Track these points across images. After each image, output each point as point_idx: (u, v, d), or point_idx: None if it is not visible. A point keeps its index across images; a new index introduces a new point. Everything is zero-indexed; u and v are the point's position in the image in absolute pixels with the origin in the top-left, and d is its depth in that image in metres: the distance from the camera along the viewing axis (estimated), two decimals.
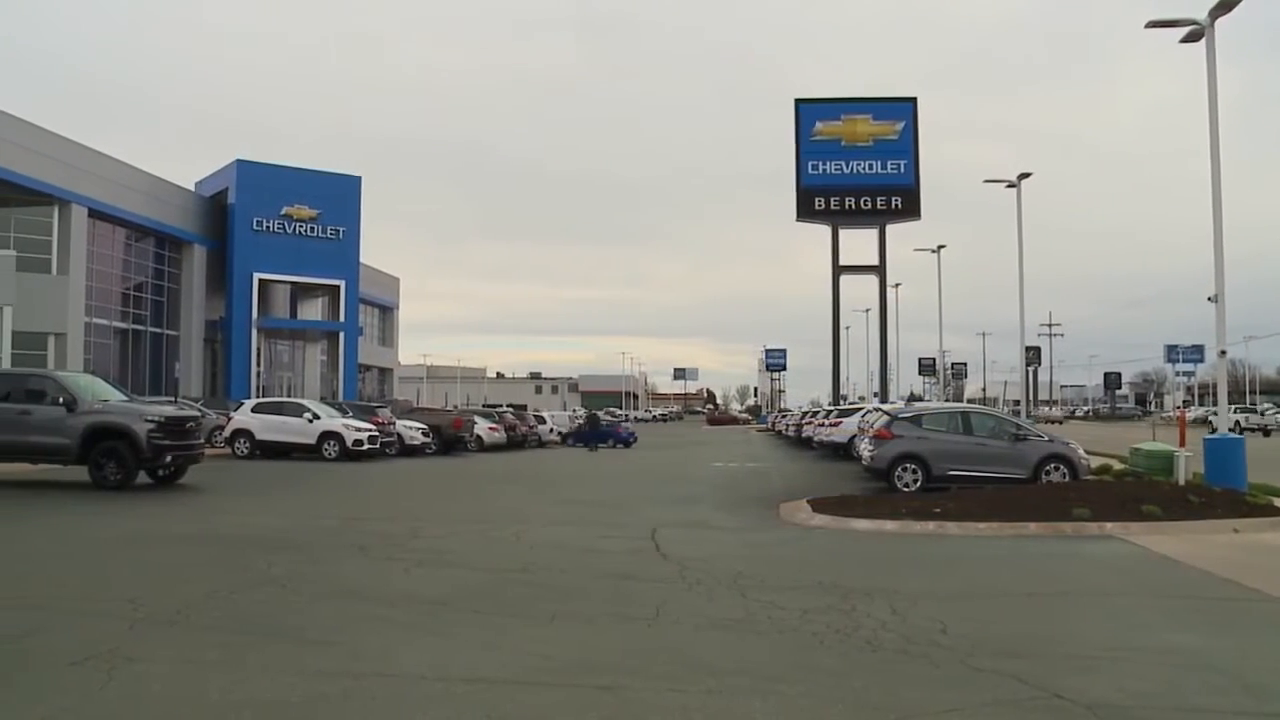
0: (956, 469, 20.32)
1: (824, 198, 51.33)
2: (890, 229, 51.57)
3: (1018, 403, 74.55)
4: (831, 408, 46.73)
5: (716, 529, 15.65)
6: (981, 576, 11.34)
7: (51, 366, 37.06)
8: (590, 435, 48.77)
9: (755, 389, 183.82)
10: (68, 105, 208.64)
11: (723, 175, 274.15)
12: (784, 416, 72.82)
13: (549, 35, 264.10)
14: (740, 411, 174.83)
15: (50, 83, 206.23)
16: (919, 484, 20.15)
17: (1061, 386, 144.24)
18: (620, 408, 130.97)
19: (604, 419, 52.88)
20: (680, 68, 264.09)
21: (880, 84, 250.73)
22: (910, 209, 51.15)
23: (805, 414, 53.54)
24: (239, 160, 55.89)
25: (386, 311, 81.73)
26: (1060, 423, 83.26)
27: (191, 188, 57.14)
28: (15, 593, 9.39)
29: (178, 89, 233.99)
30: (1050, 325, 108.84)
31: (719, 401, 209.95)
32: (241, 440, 32.33)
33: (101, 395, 21.21)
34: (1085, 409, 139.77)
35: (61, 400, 20.15)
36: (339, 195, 58.42)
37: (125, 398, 22.56)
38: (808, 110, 52.61)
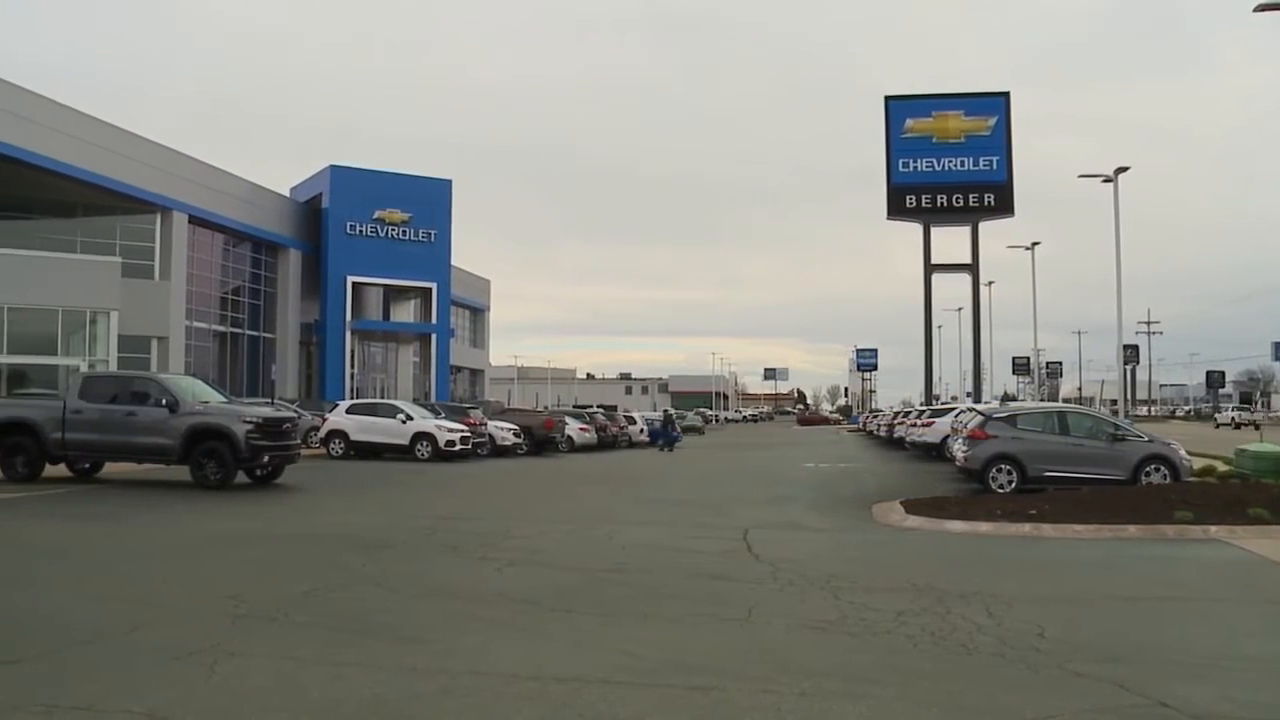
0: (1052, 470, 19.93)
1: (915, 195, 50.73)
2: (983, 226, 50.81)
3: (1114, 402, 73.02)
4: (924, 408, 46.17)
5: (809, 530, 15.55)
6: (1079, 580, 11.11)
7: (154, 369, 37.99)
8: (661, 435, 48.81)
9: (846, 389, 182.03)
10: (168, 115, 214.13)
11: (812, 174, 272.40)
12: (875, 417, 72.14)
13: (637, 37, 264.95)
14: (831, 412, 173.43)
15: (151, 95, 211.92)
16: (1014, 485, 19.81)
17: (1161, 385, 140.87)
18: (710, 408, 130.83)
19: (675, 419, 52.85)
20: (768, 66, 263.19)
21: (968, 78, 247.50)
22: (1003, 206, 50.35)
23: (897, 414, 52.96)
24: (332, 166, 56.78)
25: (477, 313, 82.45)
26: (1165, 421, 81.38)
27: (287, 193, 58.18)
28: (124, 589, 9.66)
29: (271, 97, 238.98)
30: (1148, 323, 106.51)
31: (809, 402, 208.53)
32: (336, 441, 32.84)
33: (202, 397, 21.68)
34: (1186, 409, 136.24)
35: (164, 402, 20.65)
36: (430, 199, 59.03)
37: (225, 399, 23.03)
38: (898, 107, 52.04)
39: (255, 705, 5.87)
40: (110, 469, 22.97)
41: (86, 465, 22.48)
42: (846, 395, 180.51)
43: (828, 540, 14.36)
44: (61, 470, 22.03)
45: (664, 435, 48.74)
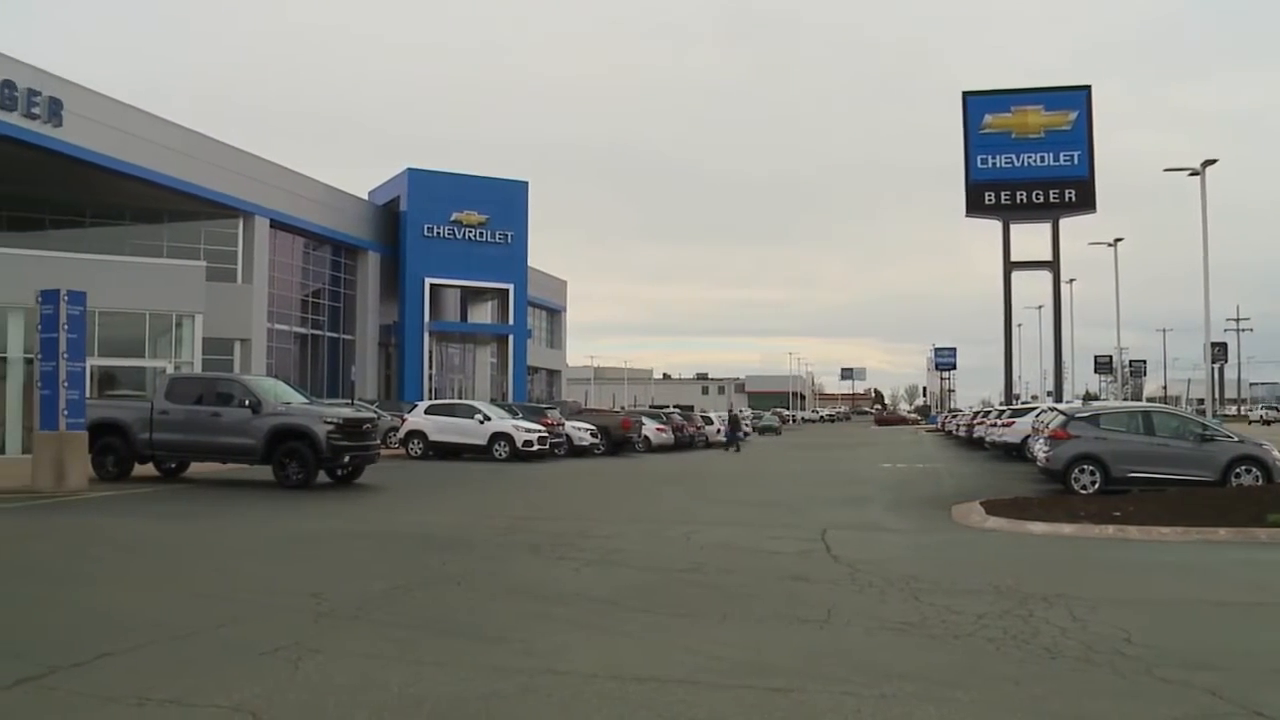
0: (1137, 471, 19.56)
1: (994, 192, 50.10)
2: (1063, 222, 50.01)
3: (1201, 401, 71.39)
4: (1004, 407, 45.58)
5: (887, 531, 15.42)
6: (1166, 583, 10.90)
7: (237, 371, 38.68)
8: (729, 436, 48.73)
9: (924, 389, 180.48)
10: (250, 123, 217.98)
11: (888, 172, 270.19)
12: (954, 416, 71.31)
13: (709, 37, 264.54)
14: (909, 412, 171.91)
15: (235, 103, 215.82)
16: (1097, 486, 19.46)
17: (1251, 384, 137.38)
18: (787, 408, 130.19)
19: (740, 420, 52.80)
20: (843, 64, 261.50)
21: (1046, 72, 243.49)
22: (1085, 201, 49.53)
23: (976, 414, 52.32)
24: (410, 169, 57.33)
25: (554, 314, 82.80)
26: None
27: (365, 196, 58.88)
28: (211, 586, 9.85)
29: (349, 104, 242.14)
30: (1237, 319, 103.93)
31: (887, 401, 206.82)
32: (415, 441, 33.19)
33: (284, 398, 22.03)
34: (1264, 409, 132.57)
35: (248, 403, 21.04)
36: (506, 200, 59.37)
37: (306, 400, 23.38)
38: (976, 103, 51.43)
39: (338, 701, 5.95)
40: (195, 469, 23.44)
41: (173, 465, 22.97)
42: (925, 395, 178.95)
43: (907, 541, 14.22)
44: (149, 469, 22.54)
45: (730, 436, 48.63)
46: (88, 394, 20.47)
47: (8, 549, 12.59)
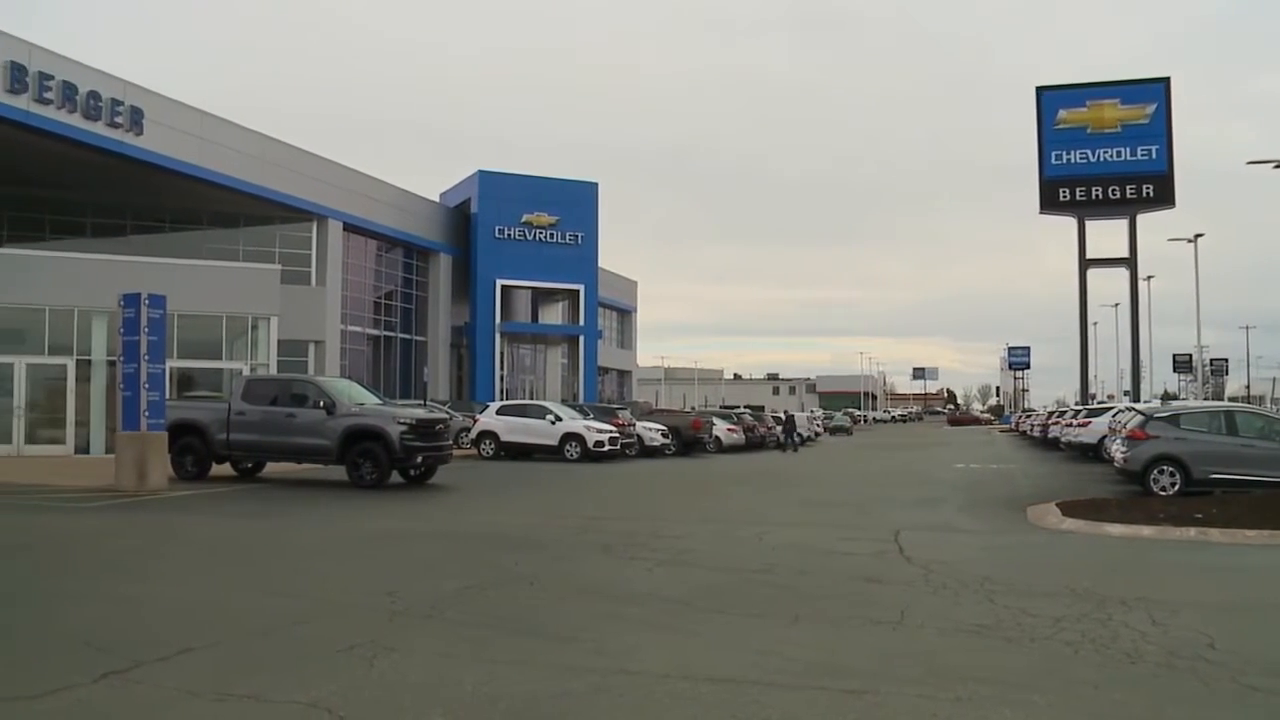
0: (1220, 472, 19.11)
1: (1069, 188, 49.28)
2: (1141, 218, 49.08)
3: None
4: (1079, 407, 44.88)
5: (961, 532, 15.25)
6: (1251, 588, 10.66)
7: (312, 372, 39.22)
8: (786, 437, 48.42)
9: (997, 388, 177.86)
10: (324, 129, 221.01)
11: (960, 169, 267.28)
12: (1028, 416, 70.35)
13: (773, 36, 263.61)
14: (982, 411, 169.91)
15: (310, 111, 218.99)
16: (1177, 487, 19.06)
17: None
18: (859, 408, 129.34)
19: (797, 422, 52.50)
20: (911, 62, 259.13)
21: (1120, 65, 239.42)
22: (1163, 197, 48.53)
23: (1051, 414, 51.56)
24: (480, 171, 57.69)
25: (625, 315, 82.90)
26: None
27: (436, 199, 59.37)
28: (288, 584, 10.00)
29: (421, 107, 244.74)
30: None
31: (959, 401, 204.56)
32: (487, 441, 33.40)
33: (358, 399, 22.28)
34: None
35: (322, 404, 21.29)
36: (577, 201, 59.52)
37: (379, 401, 23.62)
38: (1050, 98, 50.64)
39: (413, 699, 6.01)
40: (271, 469, 23.79)
41: (250, 465, 23.32)
42: (998, 395, 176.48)
43: (981, 542, 14.05)
44: (227, 469, 22.91)
45: (788, 437, 48.35)
46: (167, 395, 20.85)
47: (94, 546, 12.88)
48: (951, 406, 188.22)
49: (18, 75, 28.59)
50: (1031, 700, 6.12)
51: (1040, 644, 7.58)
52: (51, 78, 29.61)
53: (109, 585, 9.96)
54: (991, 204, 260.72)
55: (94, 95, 31.01)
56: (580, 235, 59.59)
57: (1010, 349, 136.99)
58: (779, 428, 51.09)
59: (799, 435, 50.69)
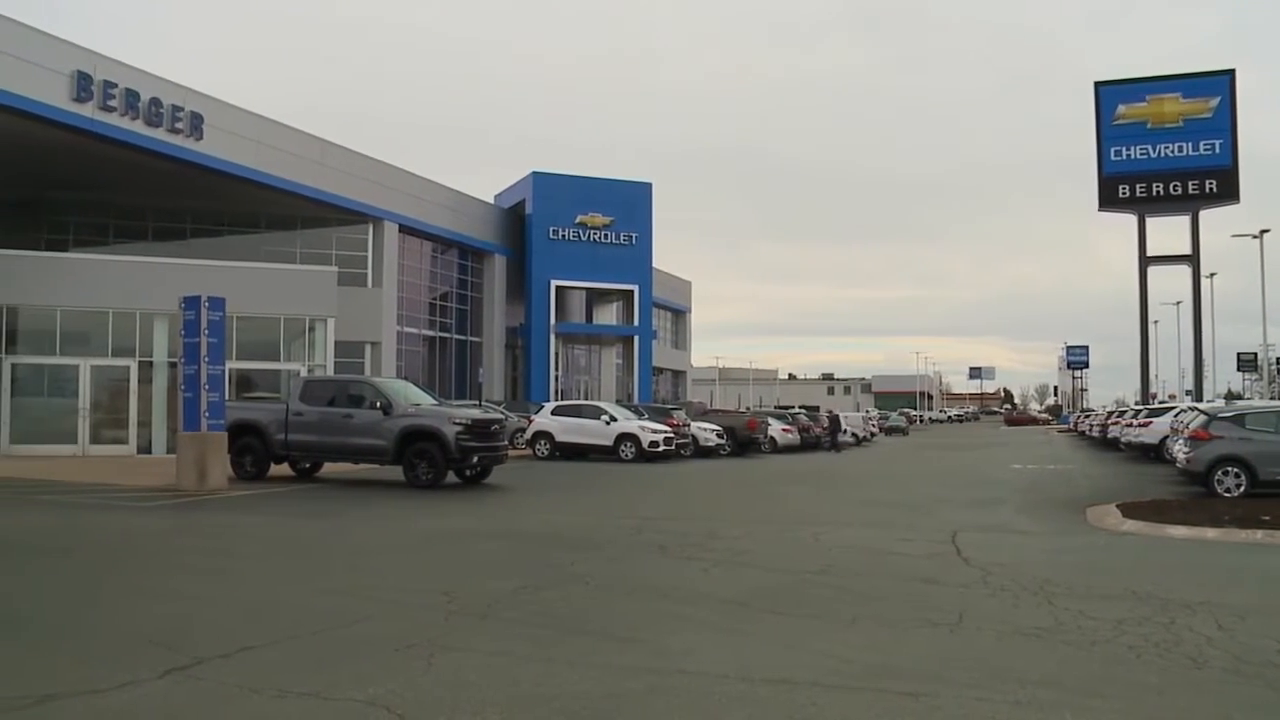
0: None
1: (1129, 185, 48.61)
2: (1203, 214, 48.28)
3: None
4: (1140, 407, 44.25)
5: (1019, 533, 15.08)
6: None
7: (368, 373, 39.54)
8: (829, 437, 48.09)
9: (1055, 388, 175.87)
10: (379, 133, 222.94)
11: (1014, 167, 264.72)
12: (1087, 416, 69.46)
13: (832, 36, 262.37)
14: (1039, 411, 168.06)
15: (365, 116, 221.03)
16: (1242, 489, 18.70)
17: None
18: (914, 408, 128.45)
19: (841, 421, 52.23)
20: (966, 59, 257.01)
21: (1182, 58, 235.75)
22: (1227, 192, 47.73)
23: (1111, 414, 50.88)
24: (534, 172, 57.82)
25: (679, 315, 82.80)
26: None
27: (491, 200, 59.63)
28: (346, 583, 10.09)
29: (476, 109, 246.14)
30: None
31: (1016, 401, 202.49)
32: (542, 442, 33.50)
33: (414, 399, 22.40)
34: None
35: (379, 404, 21.46)
36: (631, 202, 59.46)
37: (435, 401, 23.73)
38: (1109, 93, 49.96)
39: (470, 697, 6.04)
40: (328, 469, 24.02)
41: (307, 465, 23.54)
42: (1056, 394, 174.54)
43: (1039, 544, 13.89)
44: (284, 470, 23.15)
45: (830, 438, 48.06)
46: (227, 396, 21.10)
47: (157, 545, 13.07)
48: (1008, 406, 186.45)
49: (83, 84, 29.08)
50: (1093, 705, 6.05)
51: (1101, 647, 7.47)
52: (115, 85, 30.10)
53: (172, 583, 10.10)
54: (1050, 200, 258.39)
55: (155, 102, 31.47)
56: (634, 235, 59.54)
57: (1068, 348, 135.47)
58: (823, 427, 50.94)
59: (845, 435, 50.54)
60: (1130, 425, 38.05)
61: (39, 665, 6.75)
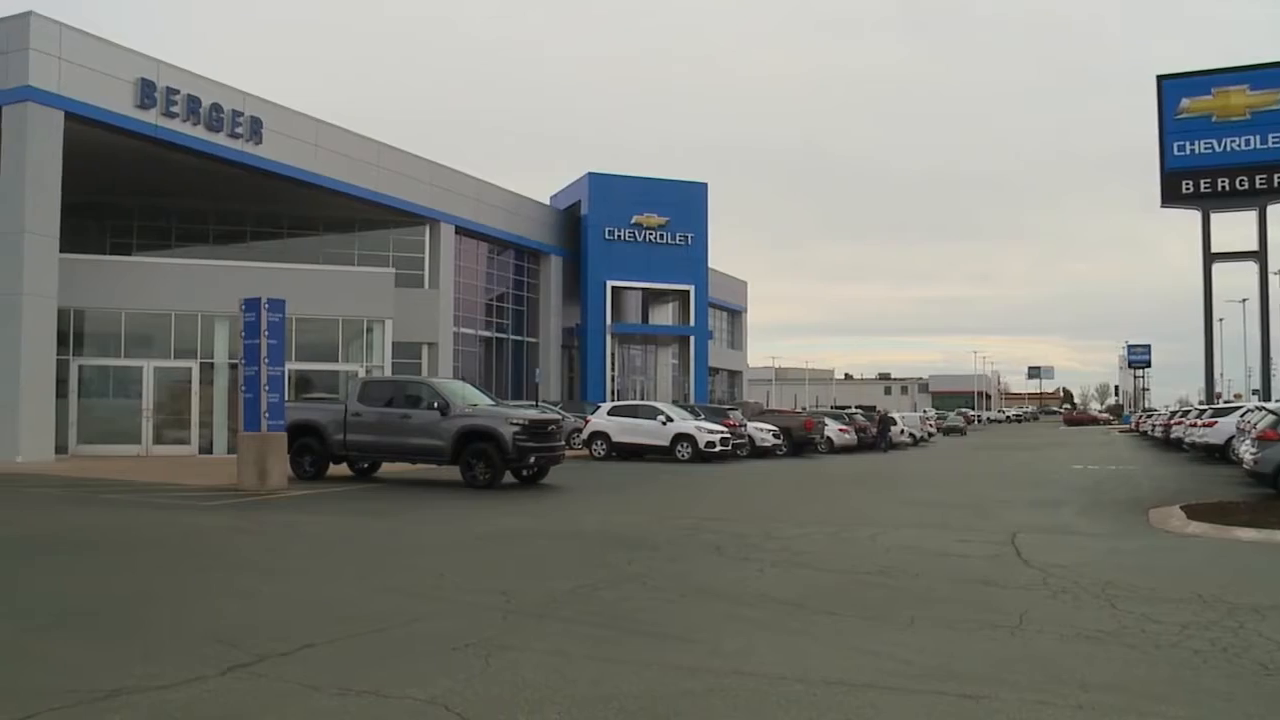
0: None
1: (1192, 180, 47.75)
2: (1271, 209, 47.29)
3: None
4: (1204, 406, 43.51)
5: (1080, 534, 14.87)
6: None
7: (425, 374, 39.85)
8: (880, 437, 47.71)
9: (1116, 387, 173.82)
10: (439, 136, 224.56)
11: (1073, 163, 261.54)
12: (1149, 416, 68.45)
13: (880, 33, 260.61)
14: (1100, 411, 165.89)
15: (424, 119, 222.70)
16: None
17: None
18: (972, 408, 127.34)
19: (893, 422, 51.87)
20: (1022, 54, 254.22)
21: (1245, 49, 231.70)
22: None
23: (1174, 413, 50.08)
24: (590, 173, 57.96)
25: (735, 315, 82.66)
26: None
27: (546, 201, 59.85)
28: (404, 582, 10.15)
29: (532, 111, 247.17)
30: None
31: (1076, 401, 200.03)
32: (599, 442, 33.58)
33: (471, 400, 22.53)
34: None
35: (436, 405, 21.59)
36: (686, 202, 59.42)
37: (492, 402, 23.86)
38: (1172, 86, 49.07)
39: (527, 697, 6.05)
40: (386, 469, 24.22)
41: (365, 465, 23.75)
42: (1117, 394, 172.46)
43: (1101, 546, 13.69)
44: (343, 469, 23.38)
45: (881, 437, 47.71)
46: (286, 397, 21.33)
47: (219, 544, 13.24)
48: (1068, 406, 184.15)
49: (147, 91, 29.58)
50: (1158, 710, 5.95)
51: (1166, 652, 7.35)
52: (177, 92, 30.57)
53: (233, 581, 10.22)
54: (1110, 197, 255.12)
55: (216, 107, 31.92)
56: (690, 236, 59.50)
57: (1130, 347, 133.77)
58: (893, 427, 50.65)
59: (901, 435, 50.30)
60: (1194, 425, 37.38)
61: (107, 660, 6.86)
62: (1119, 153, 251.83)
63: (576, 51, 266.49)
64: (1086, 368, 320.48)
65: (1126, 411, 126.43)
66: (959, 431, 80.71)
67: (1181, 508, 16.55)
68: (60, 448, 28.03)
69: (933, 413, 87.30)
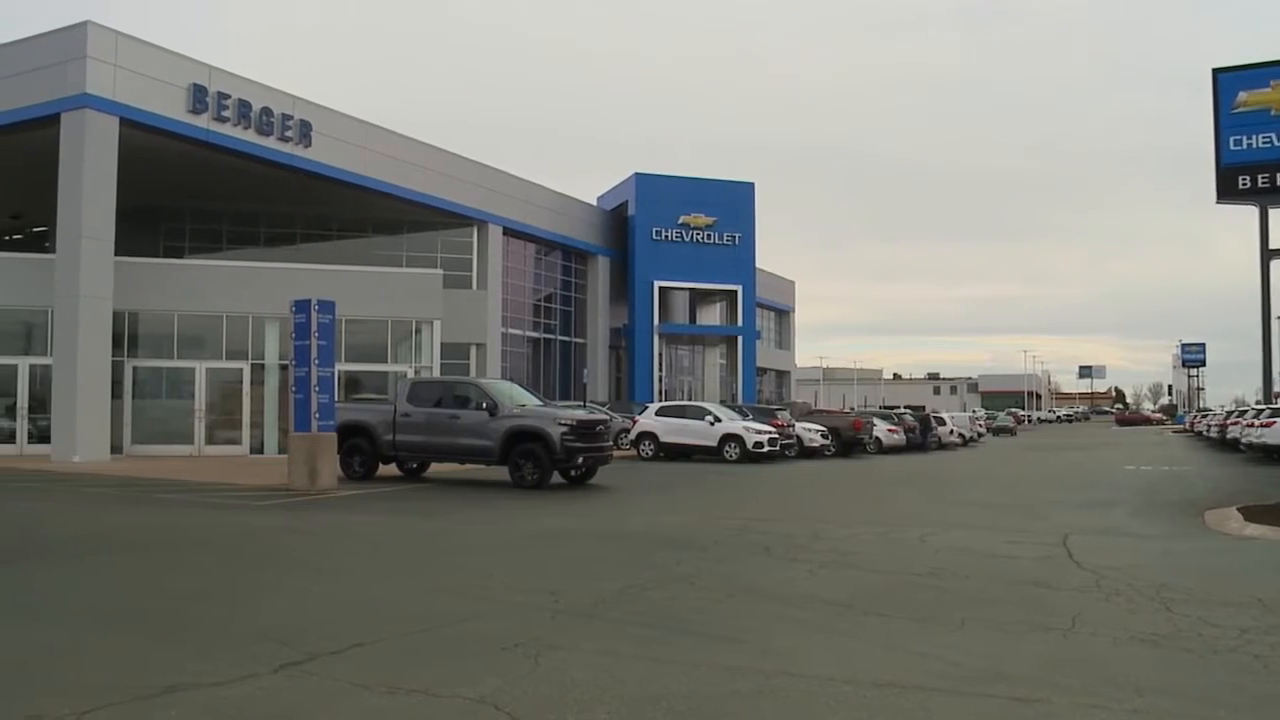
0: None
1: (1249, 175, 46.68)
2: None
3: None
4: (1262, 406, 42.79)
5: (1133, 536, 14.68)
6: None
7: (473, 374, 40.03)
8: (921, 436, 47.26)
9: (1169, 387, 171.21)
10: (486, 139, 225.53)
11: (1125, 158, 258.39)
12: (1204, 416, 67.47)
13: (929, 32, 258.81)
14: (1153, 411, 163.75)
15: (471, 122, 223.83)
16: None
17: None
18: (1022, 408, 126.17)
19: (934, 420, 51.42)
20: (1070, 51, 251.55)
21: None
22: None
23: (1230, 413, 49.34)
24: (637, 173, 57.97)
25: (782, 315, 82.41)
26: None
27: (593, 202, 59.93)
28: (453, 581, 10.20)
29: (576, 112, 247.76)
30: None
31: (1129, 400, 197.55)
32: (646, 442, 33.58)
33: (519, 400, 22.60)
34: None
35: (484, 405, 21.67)
36: (733, 202, 59.26)
37: (540, 402, 23.91)
38: (1228, 80, 48.08)
39: (577, 696, 6.05)
40: (434, 469, 24.34)
41: (414, 465, 23.87)
42: (1170, 394, 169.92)
43: (1156, 548, 13.51)
44: (392, 470, 23.52)
45: (922, 437, 47.32)
46: (336, 398, 21.48)
47: (270, 543, 13.37)
48: (1120, 406, 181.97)
49: (199, 96, 29.94)
50: (1216, 716, 5.84)
51: (1224, 657, 7.22)
52: (228, 97, 30.91)
53: (285, 580, 10.32)
54: (1162, 194, 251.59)
55: (266, 111, 32.23)
56: (737, 236, 59.34)
57: (1184, 345, 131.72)
58: (942, 427, 50.32)
59: (951, 435, 50.01)
60: (1251, 425, 36.80)
61: (162, 657, 6.94)
62: (1172, 149, 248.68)
63: (621, 52, 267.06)
64: (1139, 367, 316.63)
65: (1181, 411, 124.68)
66: (1009, 432, 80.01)
67: (1239, 509, 16.31)
68: (115, 447, 28.42)
69: (982, 413, 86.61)
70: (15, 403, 29.50)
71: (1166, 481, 25.70)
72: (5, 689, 6.17)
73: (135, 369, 30.17)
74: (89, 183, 27.20)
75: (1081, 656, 7.22)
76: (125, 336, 29.73)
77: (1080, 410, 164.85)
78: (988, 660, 7.06)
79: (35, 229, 42.52)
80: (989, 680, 6.53)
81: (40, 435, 28.80)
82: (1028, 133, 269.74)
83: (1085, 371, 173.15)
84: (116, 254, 28.22)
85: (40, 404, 29.17)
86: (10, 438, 29.41)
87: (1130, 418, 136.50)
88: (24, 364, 29.40)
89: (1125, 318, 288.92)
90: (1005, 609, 8.92)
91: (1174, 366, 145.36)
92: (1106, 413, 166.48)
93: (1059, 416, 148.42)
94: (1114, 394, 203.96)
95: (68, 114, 27.32)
